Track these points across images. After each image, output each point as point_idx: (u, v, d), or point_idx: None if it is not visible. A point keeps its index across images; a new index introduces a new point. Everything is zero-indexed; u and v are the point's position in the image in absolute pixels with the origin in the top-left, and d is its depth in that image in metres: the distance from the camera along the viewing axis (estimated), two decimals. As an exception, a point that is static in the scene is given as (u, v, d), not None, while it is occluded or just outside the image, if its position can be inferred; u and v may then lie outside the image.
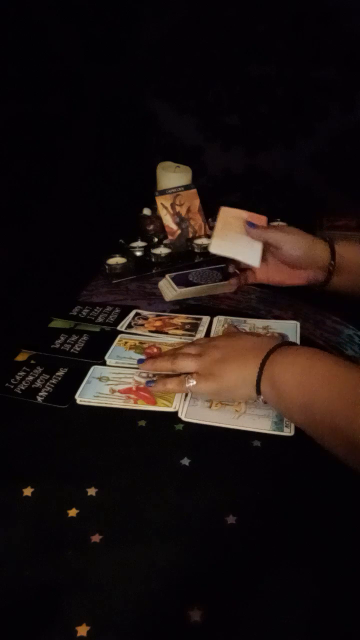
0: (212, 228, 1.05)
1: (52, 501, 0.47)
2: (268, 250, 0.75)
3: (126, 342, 0.71)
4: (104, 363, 0.67)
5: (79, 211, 1.08)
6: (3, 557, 0.43)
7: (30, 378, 0.64)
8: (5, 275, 0.88)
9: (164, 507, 0.47)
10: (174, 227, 1.03)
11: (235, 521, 0.45)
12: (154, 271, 0.95)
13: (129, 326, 0.75)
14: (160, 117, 1.31)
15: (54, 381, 0.63)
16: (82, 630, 0.37)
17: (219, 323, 0.76)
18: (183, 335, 0.72)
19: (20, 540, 0.44)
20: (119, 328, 0.75)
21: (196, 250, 1.00)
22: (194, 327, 0.74)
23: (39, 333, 0.74)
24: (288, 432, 0.54)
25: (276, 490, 0.48)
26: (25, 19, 0.92)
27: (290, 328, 0.73)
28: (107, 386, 0.62)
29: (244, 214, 0.78)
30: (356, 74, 1.16)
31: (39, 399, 0.60)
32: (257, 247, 0.74)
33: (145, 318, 0.78)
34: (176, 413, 0.58)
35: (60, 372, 0.65)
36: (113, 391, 0.61)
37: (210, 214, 1.06)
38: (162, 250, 0.97)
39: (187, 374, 0.58)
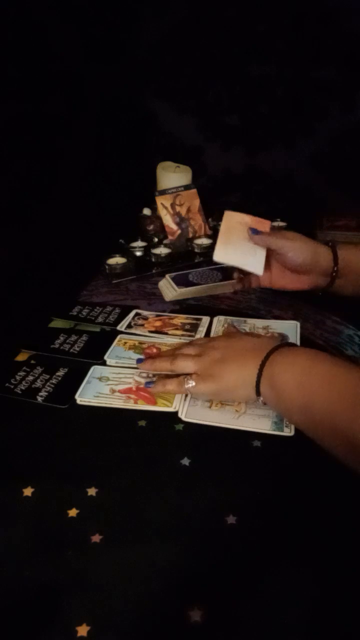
0: (212, 228, 1.05)
1: (52, 501, 0.47)
2: (271, 255, 0.75)
3: (125, 342, 0.71)
4: (103, 363, 0.67)
5: (79, 211, 1.08)
6: (3, 557, 0.43)
7: (30, 378, 0.64)
8: (5, 275, 0.88)
9: (164, 507, 0.47)
10: (174, 227, 1.03)
11: (235, 521, 0.45)
12: (154, 271, 0.95)
13: (129, 326, 0.75)
14: (160, 117, 1.31)
15: (54, 381, 0.63)
16: (82, 630, 0.37)
17: (219, 323, 0.76)
18: (183, 335, 0.72)
19: (20, 540, 0.44)
20: (118, 328, 0.75)
21: (196, 250, 1.00)
22: (193, 328, 0.74)
23: (39, 333, 0.74)
24: (288, 432, 0.54)
25: (276, 490, 0.48)
26: (25, 19, 0.92)
27: (290, 328, 0.73)
28: (107, 386, 0.62)
29: (247, 219, 0.78)
30: (356, 74, 1.16)
31: (39, 399, 0.60)
32: (261, 255, 0.74)
33: (145, 318, 0.78)
34: (176, 413, 0.58)
35: (60, 372, 0.65)
36: (113, 391, 0.61)
37: (210, 214, 1.06)
38: (162, 250, 0.97)
39: (186, 374, 0.58)
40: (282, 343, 0.56)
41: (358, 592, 0.39)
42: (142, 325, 0.75)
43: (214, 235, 1.02)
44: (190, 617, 0.38)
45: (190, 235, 1.04)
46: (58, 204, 1.05)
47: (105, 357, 0.67)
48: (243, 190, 1.33)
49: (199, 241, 1.01)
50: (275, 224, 1.05)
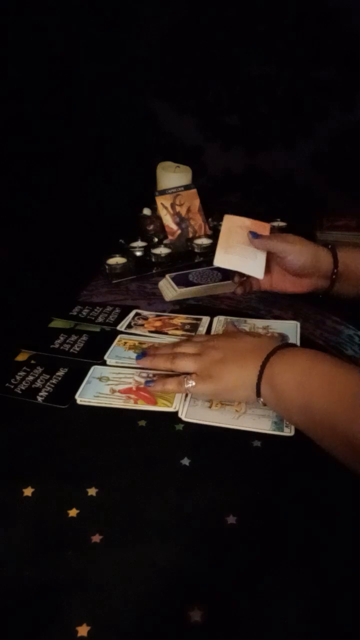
0: (212, 228, 1.05)
1: (52, 501, 0.47)
2: (272, 258, 0.75)
3: (125, 342, 0.71)
4: (103, 363, 0.67)
5: (79, 211, 1.08)
6: (3, 557, 0.43)
7: (31, 378, 0.64)
8: (5, 275, 0.88)
9: (164, 507, 0.47)
10: (174, 227, 1.03)
11: (236, 521, 0.45)
12: (154, 271, 0.95)
13: (129, 326, 0.75)
14: (160, 117, 1.31)
15: (54, 381, 0.63)
16: (83, 630, 0.37)
17: (219, 323, 0.76)
18: (183, 335, 0.72)
19: (20, 540, 0.44)
20: (118, 328, 0.75)
21: (196, 250, 1.00)
22: (193, 328, 0.74)
23: (39, 333, 0.74)
24: (288, 432, 0.54)
25: (276, 490, 0.48)
26: (25, 19, 0.92)
27: (290, 328, 0.73)
28: (107, 386, 0.62)
29: (247, 222, 0.78)
30: (356, 74, 1.16)
31: (39, 399, 0.60)
32: (261, 258, 0.74)
33: (145, 318, 0.78)
34: (176, 413, 0.58)
35: (61, 372, 0.65)
36: (113, 391, 0.61)
37: (210, 214, 1.06)
38: (162, 250, 0.97)
39: (186, 374, 0.58)
40: (282, 344, 0.56)
41: (358, 592, 0.40)
42: (142, 325, 0.75)
43: (214, 235, 1.02)
44: (190, 617, 0.38)
45: (190, 235, 1.04)
46: (58, 204, 1.05)
47: (105, 357, 0.67)
48: (243, 190, 1.33)
49: (199, 241, 1.01)
50: (275, 224, 1.05)
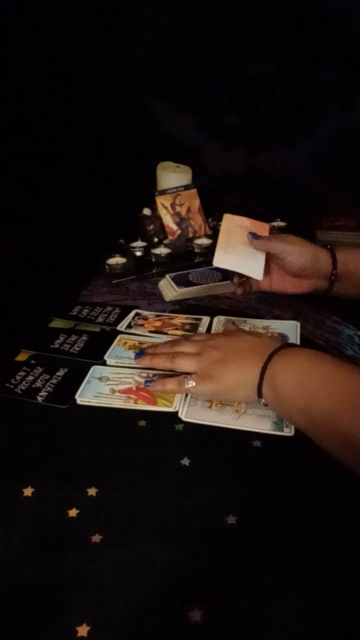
0: (212, 228, 1.05)
1: (52, 501, 0.47)
2: (271, 259, 0.75)
3: (125, 342, 0.71)
4: (103, 363, 0.67)
5: (79, 211, 1.08)
6: (3, 557, 0.43)
7: (31, 378, 0.64)
8: (5, 275, 0.88)
9: (164, 507, 0.47)
10: (174, 227, 1.03)
11: (236, 521, 0.45)
12: (154, 271, 0.95)
13: (129, 326, 0.75)
14: (160, 117, 1.31)
15: (54, 381, 0.63)
16: (83, 630, 0.37)
17: (219, 323, 0.76)
18: (183, 335, 0.72)
19: (20, 540, 0.44)
20: (118, 328, 0.75)
21: (196, 250, 1.00)
22: (193, 328, 0.74)
23: (39, 333, 0.74)
24: (288, 432, 0.54)
25: (276, 490, 0.48)
26: (25, 19, 0.92)
27: (290, 328, 0.73)
28: (107, 386, 0.62)
29: (247, 222, 0.78)
30: (356, 74, 1.16)
31: (39, 399, 0.60)
32: (260, 259, 0.74)
33: (145, 318, 0.78)
34: (176, 413, 0.58)
35: (61, 372, 0.65)
36: (113, 391, 0.61)
37: (210, 214, 1.06)
38: (162, 250, 0.97)
39: (186, 373, 0.58)
40: (283, 344, 0.56)
41: (358, 592, 0.39)
42: (142, 325, 0.75)
43: (214, 235, 1.02)
44: (190, 617, 0.38)
45: (190, 235, 1.04)
46: (58, 204, 1.05)
47: (105, 357, 0.67)
48: (243, 190, 1.33)
49: (199, 241, 1.01)
50: (275, 224, 1.05)
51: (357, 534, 0.44)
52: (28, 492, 0.48)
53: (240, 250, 0.75)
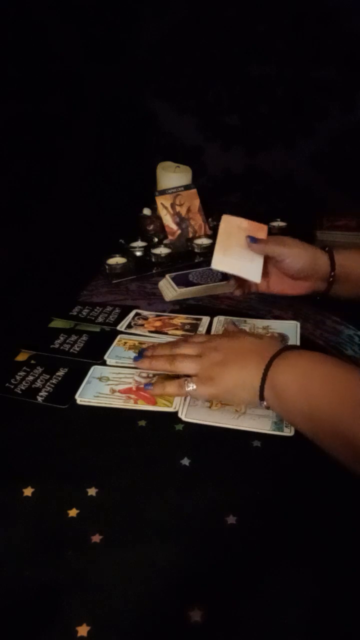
0: (212, 228, 1.05)
1: (52, 501, 0.47)
2: (269, 261, 0.75)
3: (125, 342, 0.71)
4: (103, 363, 0.67)
5: (79, 211, 1.08)
6: (3, 557, 0.43)
7: (31, 378, 0.64)
8: (5, 275, 0.88)
9: (164, 507, 0.47)
10: (174, 227, 1.03)
11: (235, 521, 0.45)
12: (154, 271, 0.95)
13: (129, 326, 0.75)
14: (160, 117, 1.31)
15: (54, 381, 0.63)
16: (83, 630, 0.37)
17: (219, 323, 0.76)
18: (183, 336, 0.72)
19: (20, 540, 0.44)
20: (118, 328, 0.75)
21: (196, 250, 1.00)
22: (193, 328, 0.74)
23: (39, 333, 0.74)
24: (288, 432, 0.54)
25: (276, 490, 0.48)
26: (25, 19, 0.92)
27: (290, 328, 0.73)
28: (107, 386, 0.62)
29: (245, 224, 0.78)
30: (356, 74, 1.16)
31: (39, 399, 0.60)
32: (258, 262, 0.74)
33: (145, 318, 0.78)
34: (176, 413, 0.58)
35: (60, 372, 0.65)
36: (113, 391, 0.61)
37: (210, 214, 1.06)
38: (162, 250, 0.97)
39: (186, 376, 0.58)
40: (284, 347, 0.56)
41: (358, 592, 0.40)
42: (142, 325, 0.75)
43: (213, 235, 1.01)
44: (190, 617, 0.38)
45: (190, 235, 1.04)
46: (58, 204, 1.05)
47: (105, 357, 0.67)
48: (243, 190, 1.33)
49: (199, 241, 1.01)
50: (275, 224, 1.05)
51: (357, 534, 0.44)
52: (28, 492, 0.48)
53: (238, 252, 0.74)
